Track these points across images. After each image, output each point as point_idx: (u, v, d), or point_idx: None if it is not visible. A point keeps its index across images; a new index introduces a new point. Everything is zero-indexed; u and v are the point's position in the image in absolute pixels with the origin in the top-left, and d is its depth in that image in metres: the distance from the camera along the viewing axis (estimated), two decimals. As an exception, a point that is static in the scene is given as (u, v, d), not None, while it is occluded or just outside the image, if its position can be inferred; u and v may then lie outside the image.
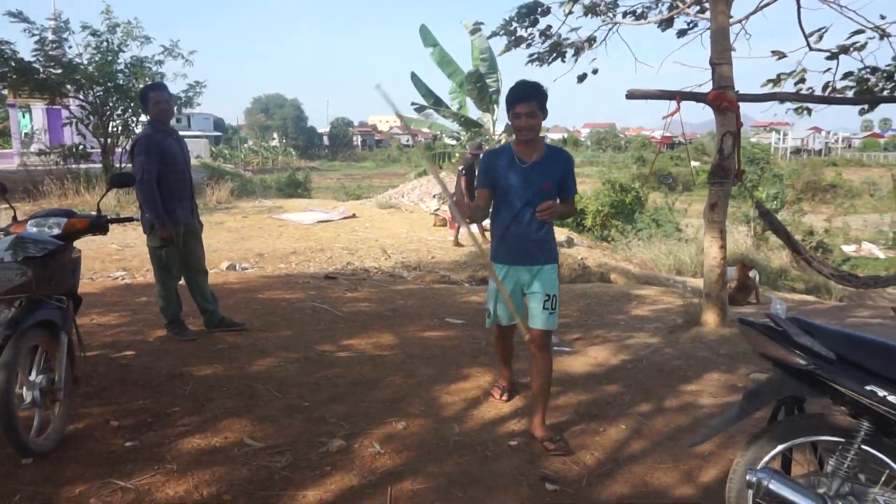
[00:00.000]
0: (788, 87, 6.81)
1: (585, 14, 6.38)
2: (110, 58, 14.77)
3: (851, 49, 6.30)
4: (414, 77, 17.20)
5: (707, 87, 5.29)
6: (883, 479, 2.00)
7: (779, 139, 61.18)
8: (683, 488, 2.84)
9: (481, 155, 3.46)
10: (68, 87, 14.91)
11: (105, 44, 14.90)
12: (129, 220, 3.98)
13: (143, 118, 13.18)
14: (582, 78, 6.55)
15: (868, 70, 6.57)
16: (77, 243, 3.40)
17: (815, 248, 17.74)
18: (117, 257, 8.54)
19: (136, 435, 3.13)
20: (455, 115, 17.23)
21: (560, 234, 13.26)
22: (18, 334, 2.74)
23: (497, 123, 17.44)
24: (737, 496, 2.19)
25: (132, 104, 15.12)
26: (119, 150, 15.38)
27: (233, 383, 3.87)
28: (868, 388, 1.95)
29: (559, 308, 3.29)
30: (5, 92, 17.72)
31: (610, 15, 6.29)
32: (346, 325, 5.35)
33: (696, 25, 6.35)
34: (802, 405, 2.31)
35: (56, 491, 2.62)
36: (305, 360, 4.36)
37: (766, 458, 2.16)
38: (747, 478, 2.05)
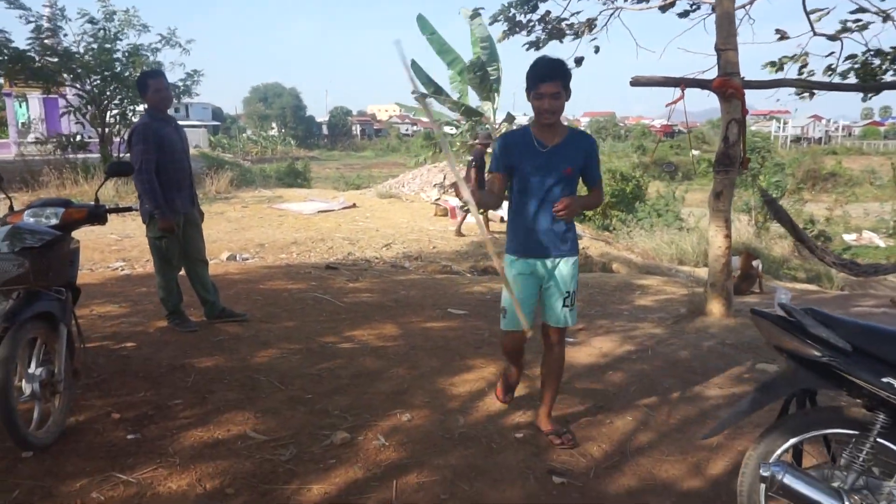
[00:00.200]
0: (791, 72, 6.73)
1: None
2: (108, 46, 14.64)
3: (854, 28, 6.21)
4: (414, 65, 17.05)
5: (710, 74, 5.22)
6: (899, 472, 1.97)
7: (779, 127, 60.99)
8: (692, 481, 2.81)
9: (494, 139, 3.22)
10: (65, 75, 14.79)
11: (102, 32, 14.76)
12: (128, 209, 3.92)
13: (141, 107, 13.10)
14: (579, 61, 6.41)
15: (872, 53, 6.49)
16: (75, 234, 3.35)
17: (816, 237, 17.68)
18: (116, 248, 8.49)
19: (138, 428, 3.09)
20: (455, 104, 17.12)
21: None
22: (17, 326, 2.70)
23: (498, 112, 17.31)
24: (749, 489, 2.16)
25: (130, 93, 15.00)
26: (117, 139, 15.28)
27: (234, 375, 3.83)
28: (885, 380, 1.91)
29: None
30: (1, 81, 17.58)
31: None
32: (348, 316, 5.31)
33: (698, 7, 6.25)
34: (814, 397, 2.27)
35: (56, 485, 2.58)
36: (307, 352, 4.32)
37: (779, 452, 2.13)
38: (761, 472, 2.01)
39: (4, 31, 13.59)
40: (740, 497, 2.19)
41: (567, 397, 3.64)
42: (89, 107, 15.21)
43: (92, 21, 14.65)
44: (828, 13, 5.98)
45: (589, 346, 4.67)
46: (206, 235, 5.11)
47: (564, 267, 2.98)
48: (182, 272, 4.77)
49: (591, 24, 6.23)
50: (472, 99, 17.91)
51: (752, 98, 4.94)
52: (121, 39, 15.01)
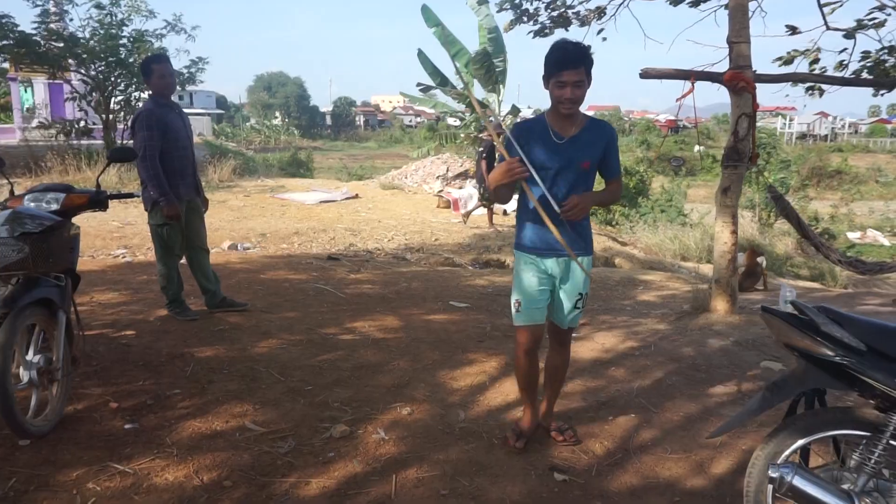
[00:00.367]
0: (802, 67, 6.63)
1: None
2: (114, 31, 14.56)
3: (870, 25, 6.11)
4: (421, 55, 16.91)
5: (719, 68, 5.14)
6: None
7: (785, 124, 60.63)
8: (695, 479, 2.77)
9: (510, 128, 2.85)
10: (70, 60, 14.71)
11: (109, 17, 14.67)
12: (130, 196, 3.88)
13: (146, 94, 13.01)
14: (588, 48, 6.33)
15: (886, 51, 6.39)
16: (77, 220, 3.31)
17: (820, 235, 17.58)
18: (118, 235, 8.46)
19: (136, 417, 3.07)
20: (460, 96, 17.01)
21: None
22: (15, 312, 2.67)
23: (503, 104, 17.19)
24: (756, 490, 2.12)
25: (134, 79, 14.93)
26: (121, 126, 15.22)
27: (234, 365, 3.80)
28: (900, 381, 1.87)
29: None
30: (6, 65, 17.49)
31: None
32: (350, 308, 5.27)
33: None
34: (823, 397, 2.23)
35: (53, 474, 2.56)
36: (308, 343, 4.29)
37: (788, 452, 2.08)
38: (770, 473, 1.97)
39: (9, 15, 13.51)
40: (746, 497, 2.15)
41: (569, 393, 3.61)
42: (94, 93, 15.14)
43: (99, 6, 14.56)
44: (841, 5, 5.87)
45: (592, 341, 4.63)
46: (208, 224, 5.08)
47: (578, 267, 2.79)
48: (183, 260, 4.74)
49: (600, 12, 6.15)
50: (478, 91, 17.79)
51: (759, 93, 4.86)
52: (127, 25, 14.93)
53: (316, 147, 51.92)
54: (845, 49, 6.31)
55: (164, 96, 4.53)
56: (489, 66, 16.17)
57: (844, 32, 6.20)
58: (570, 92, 2.55)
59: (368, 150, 58.38)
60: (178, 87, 17.52)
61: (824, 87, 6.72)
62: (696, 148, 42.62)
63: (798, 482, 1.92)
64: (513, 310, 2.84)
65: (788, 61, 6.65)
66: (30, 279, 2.82)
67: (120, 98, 15.50)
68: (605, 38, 6.47)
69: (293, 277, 6.32)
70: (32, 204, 3.10)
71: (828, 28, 6.24)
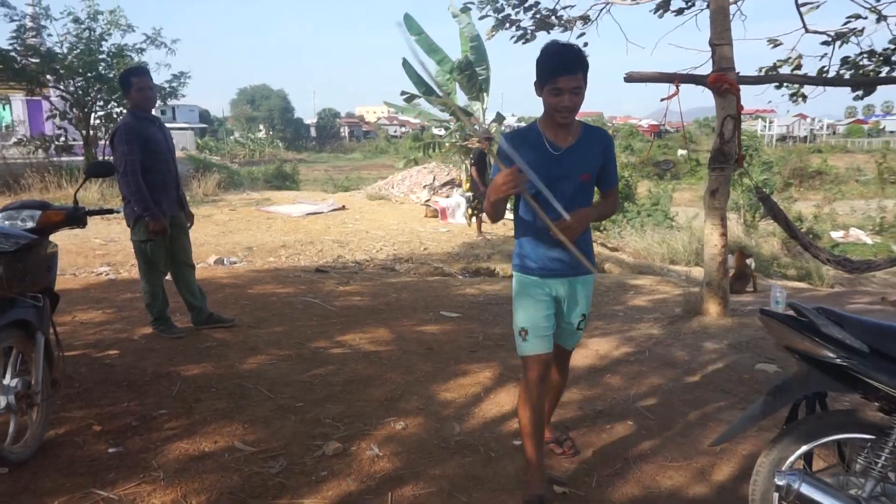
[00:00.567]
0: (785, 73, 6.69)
1: None
2: (93, 46, 14.40)
3: (850, 34, 6.17)
4: (405, 64, 16.91)
5: (702, 72, 5.15)
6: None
7: (765, 126, 61.41)
8: (698, 487, 2.72)
9: (497, 138, 2.47)
10: (48, 77, 14.53)
11: (87, 32, 14.52)
12: (109, 212, 3.78)
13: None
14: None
15: (865, 55, 6.46)
16: (58, 238, 3.21)
17: (805, 235, 17.72)
18: (101, 252, 8.31)
19: (120, 440, 2.96)
20: (445, 105, 17.00)
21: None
22: (-10, 336, 2.57)
23: (487, 112, 17.20)
24: (762, 498, 2.07)
25: (115, 94, 14.76)
26: (102, 142, 15.04)
27: (222, 383, 3.71)
28: (905, 382, 1.83)
29: None
30: (-18, 83, 17.25)
31: (604, -6, 6.13)
32: (340, 320, 5.19)
33: (693, 4, 6.19)
34: (824, 400, 2.19)
35: (34, 502, 2.45)
36: (298, 358, 4.20)
37: (793, 458, 2.04)
38: (776, 481, 1.92)
39: None
40: (752, 506, 2.10)
41: (565, 402, 3.54)
42: (74, 109, 14.96)
43: (76, 20, 14.41)
44: (818, 7, 5.93)
45: (586, 348, 4.58)
46: (193, 239, 4.98)
47: (582, 288, 2.62)
48: (168, 277, 4.64)
49: (584, 19, 6.15)
50: (461, 99, 17.80)
51: (741, 96, 4.87)
52: (106, 40, 14.78)
53: (301, 159, 51.77)
54: (825, 55, 6.38)
55: (145, 109, 4.45)
56: (472, 75, 16.19)
57: (824, 39, 6.26)
58: (567, 99, 2.34)
59: (354, 161, 58.33)
60: (159, 102, 17.37)
61: (807, 91, 6.79)
62: (680, 151, 43.02)
63: (806, 489, 1.87)
64: (518, 339, 2.57)
65: (773, 69, 6.70)
66: (5, 300, 2.72)
67: (101, 114, 15.32)
68: (586, 44, 6.48)
69: (281, 291, 6.23)
70: (7, 222, 3.00)
71: (807, 31, 6.30)
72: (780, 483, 1.91)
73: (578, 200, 2.48)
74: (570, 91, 2.33)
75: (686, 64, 6.30)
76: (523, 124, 2.63)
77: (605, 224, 16.49)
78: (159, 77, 15.78)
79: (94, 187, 12.58)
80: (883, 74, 6.46)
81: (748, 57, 5.85)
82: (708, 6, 5.02)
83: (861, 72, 6.51)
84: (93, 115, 15.16)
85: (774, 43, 6.40)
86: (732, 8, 5.70)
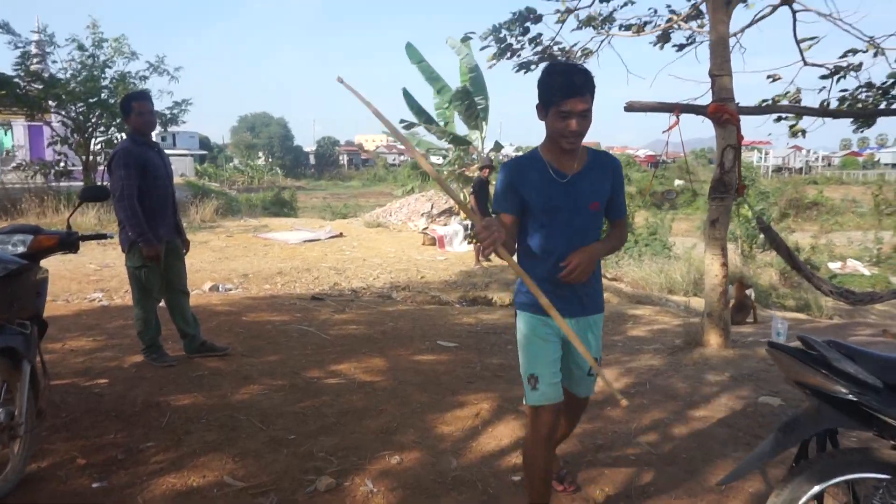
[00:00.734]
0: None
1: (579, 27, 6.27)
2: (96, 73, 14.53)
3: (849, 68, 6.22)
4: (406, 94, 17.10)
5: (702, 102, 5.17)
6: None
7: (760, 158, 61.98)
8: (704, 527, 2.62)
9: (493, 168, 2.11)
10: (50, 102, 14.63)
11: (91, 59, 14.66)
12: (103, 237, 3.72)
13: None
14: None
15: (863, 88, 6.50)
16: (52, 263, 3.15)
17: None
18: (95, 278, 8.22)
19: (105, 474, 2.86)
20: (443, 133, 17.13)
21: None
22: (-27, 364, 2.49)
23: (486, 141, 17.34)
24: (773, 541, 1.98)
25: (116, 120, 14.85)
26: (101, 167, 15.07)
27: (213, 414, 3.61)
28: (921, 420, 1.76)
29: None
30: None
31: (606, 27, 6.18)
32: (335, 349, 5.10)
33: (693, 40, 6.25)
34: (835, 437, 2.12)
35: (11, 541, 2.34)
36: (292, 388, 4.10)
37: (804, 499, 1.96)
38: (789, 525, 1.84)
39: None
40: (763, 549, 2.01)
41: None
42: (74, 135, 15.02)
43: (81, 47, 14.56)
44: (818, 41, 5.98)
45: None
46: (189, 265, 4.91)
47: (594, 328, 2.41)
48: (162, 303, 4.56)
49: (585, 52, 6.21)
50: (460, 128, 17.95)
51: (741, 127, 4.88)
52: (110, 67, 14.93)
53: (300, 186, 51.99)
54: (824, 88, 6.42)
55: (144, 134, 4.42)
56: (470, 104, 16.35)
57: (823, 72, 6.31)
58: (576, 124, 2.16)
59: (352, 188, 58.57)
60: (160, 128, 17.45)
61: (806, 124, 6.82)
62: (677, 182, 43.26)
63: (820, 533, 1.79)
64: (527, 388, 2.33)
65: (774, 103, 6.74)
66: (-8, 327, 2.65)
67: (101, 139, 15.39)
68: None
69: (276, 319, 6.14)
70: (-3, 247, 2.94)
71: (805, 64, 6.35)
72: (794, 527, 1.82)
73: (589, 233, 2.30)
74: (578, 115, 2.16)
75: (684, 96, 6.34)
76: (521, 154, 2.36)
77: (603, 253, 16.43)
78: (161, 104, 15.88)
79: (92, 212, 12.55)
80: (882, 106, 6.50)
81: (747, 88, 5.91)
82: (708, 39, 5.06)
83: (860, 105, 6.55)
84: (93, 140, 15.23)
85: (774, 77, 6.45)
86: (732, 40, 5.76)
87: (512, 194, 2.26)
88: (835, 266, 22.39)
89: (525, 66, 6.24)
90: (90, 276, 8.27)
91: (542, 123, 2.28)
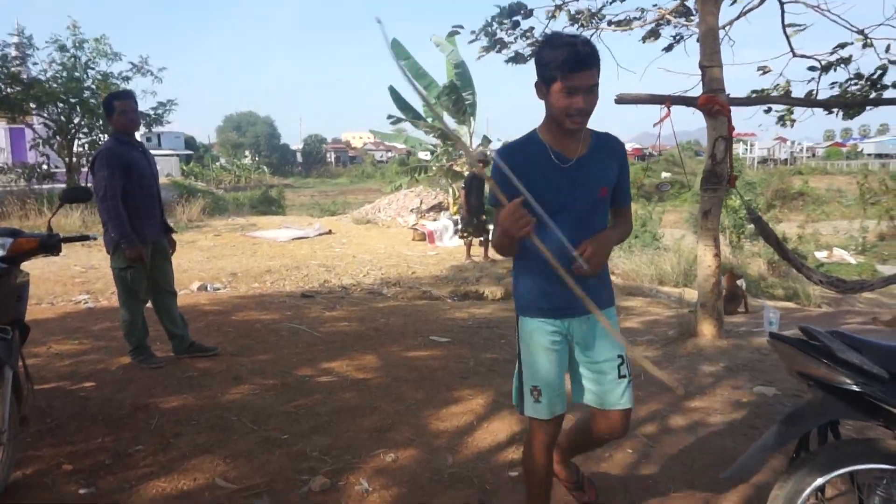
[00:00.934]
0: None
1: (571, 23, 6.22)
2: (77, 74, 14.33)
3: (837, 62, 6.21)
4: (392, 91, 16.99)
5: (692, 94, 5.13)
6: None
7: (746, 149, 62.42)
8: (704, 520, 2.59)
9: (492, 156, 1.99)
10: (31, 104, 14.40)
11: (72, 60, 14.45)
12: (85, 238, 3.63)
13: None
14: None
15: (853, 79, 6.50)
16: (36, 265, 3.06)
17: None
18: (80, 280, 8.09)
19: (93, 480, 2.78)
20: (431, 128, 17.05)
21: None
22: (-48, 371, 2.40)
23: (473, 136, 17.26)
24: (777, 533, 1.95)
25: (99, 122, 14.65)
26: (84, 169, 14.88)
27: (204, 415, 3.54)
28: (927, 409, 1.74)
29: None
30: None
31: (595, 21, 6.13)
32: (326, 347, 5.03)
33: (681, 39, 6.24)
34: (837, 428, 2.09)
35: (-4, 551, 2.27)
36: (283, 387, 4.04)
37: (808, 491, 1.93)
38: (795, 517, 1.81)
39: None
40: (767, 542, 1.98)
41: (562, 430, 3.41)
42: (57, 137, 14.80)
43: (62, 48, 14.33)
44: (804, 28, 5.97)
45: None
46: (176, 265, 4.83)
47: (606, 325, 2.08)
48: (148, 304, 4.48)
49: None
50: (448, 123, 17.86)
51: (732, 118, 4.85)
52: (92, 68, 14.72)
53: (287, 184, 51.68)
54: (813, 79, 6.41)
55: (127, 133, 4.33)
56: (458, 99, 16.27)
57: (811, 64, 6.30)
58: (582, 101, 1.94)
59: (340, 185, 58.32)
60: (145, 129, 17.24)
61: (796, 115, 6.82)
62: (664, 174, 43.46)
63: (826, 525, 1.76)
64: (528, 399, 2.14)
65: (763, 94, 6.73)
66: (-29, 332, 2.56)
67: (84, 141, 15.18)
68: None
69: (266, 318, 6.07)
70: (-24, 250, 2.85)
71: (794, 55, 6.33)
72: (799, 519, 1.79)
73: (597, 221, 2.11)
74: (585, 90, 1.93)
75: (674, 88, 6.30)
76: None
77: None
78: (145, 104, 15.73)
79: (76, 213, 12.39)
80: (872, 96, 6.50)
81: (738, 81, 5.88)
82: (697, 33, 5.03)
83: (849, 96, 6.55)
84: (76, 141, 15.02)
85: (764, 70, 6.43)
86: (721, 32, 5.74)
87: (509, 184, 1.96)
88: (821, 255, 22.59)
89: (516, 59, 6.18)
90: (75, 279, 8.13)
91: (530, 119, 2.16)
